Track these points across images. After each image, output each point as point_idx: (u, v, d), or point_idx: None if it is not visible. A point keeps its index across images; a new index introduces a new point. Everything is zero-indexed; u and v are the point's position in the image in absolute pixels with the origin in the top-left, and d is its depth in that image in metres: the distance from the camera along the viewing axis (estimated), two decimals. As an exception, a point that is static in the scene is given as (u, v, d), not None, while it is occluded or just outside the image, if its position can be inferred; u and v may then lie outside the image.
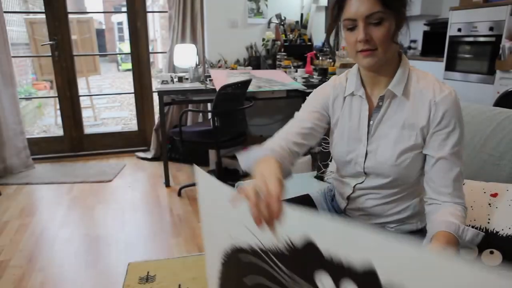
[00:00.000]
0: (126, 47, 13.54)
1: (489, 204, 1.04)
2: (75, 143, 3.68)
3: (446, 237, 0.87)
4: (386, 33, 0.90)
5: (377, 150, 1.00)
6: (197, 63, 3.45)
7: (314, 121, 1.07)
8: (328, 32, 1.02)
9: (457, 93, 0.95)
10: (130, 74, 3.89)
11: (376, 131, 1.01)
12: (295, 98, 3.22)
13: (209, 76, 3.09)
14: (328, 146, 1.79)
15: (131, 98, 4.22)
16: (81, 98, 3.67)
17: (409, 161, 0.97)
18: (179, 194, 2.82)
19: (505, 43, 2.97)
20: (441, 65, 3.59)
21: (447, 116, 0.93)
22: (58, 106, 3.77)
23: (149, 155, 3.64)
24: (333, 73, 3.20)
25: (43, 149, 3.59)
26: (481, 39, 3.23)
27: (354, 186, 1.08)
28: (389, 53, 0.94)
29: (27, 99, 5.68)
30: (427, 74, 0.99)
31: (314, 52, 3.56)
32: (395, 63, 0.99)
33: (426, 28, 4.03)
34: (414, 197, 1.05)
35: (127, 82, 10.12)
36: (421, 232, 1.09)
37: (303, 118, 1.08)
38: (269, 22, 3.71)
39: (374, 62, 0.93)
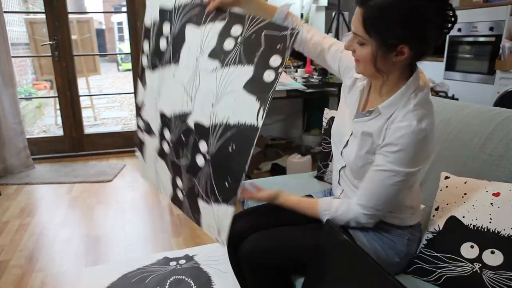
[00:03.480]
0: (126, 47, 13.54)
1: (491, 203, 1.04)
2: (75, 143, 3.68)
3: (311, 204, 1.10)
4: (364, 56, 0.94)
5: (351, 144, 1.08)
6: (197, 63, 3.44)
7: (338, 56, 1.18)
8: None
9: (424, 132, 0.92)
10: (130, 74, 3.89)
11: (355, 128, 1.07)
12: (295, 98, 3.22)
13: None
14: (328, 146, 1.80)
15: (131, 98, 4.23)
16: (81, 98, 3.66)
17: (366, 165, 1.03)
18: (179, 194, 2.82)
19: (505, 43, 2.97)
20: (441, 65, 3.59)
21: (394, 142, 0.94)
22: (58, 106, 3.77)
23: (149, 155, 3.63)
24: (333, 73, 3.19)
25: (43, 149, 3.59)
26: (481, 39, 3.23)
27: (339, 171, 1.15)
28: (367, 73, 0.99)
29: (27, 99, 5.68)
30: (426, 103, 0.96)
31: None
32: (395, 82, 0.98)
33: (426, 28, 4.02)
34: None
35: (127, 82, 10.12)
36: (411, 228, 1.12)
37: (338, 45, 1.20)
38: (269, 22, 3.70)
39: (359, 71, 1.01)
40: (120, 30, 17.13)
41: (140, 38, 4.06)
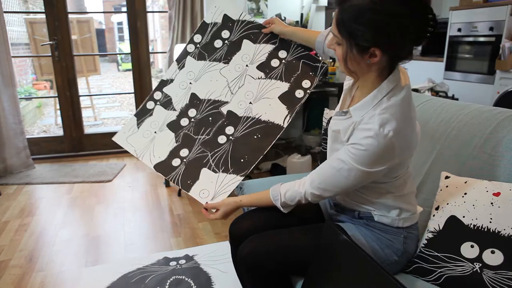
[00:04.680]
0: (126, 47, 13.54)
1: (491, 203, 1.04)
2: (75, 143, 3.68)
3: (265, 195, 1.17)
4: (340, 56, 0.97)
5: (329, 139, 1.14)
6: (197, 63, 3.44)
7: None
8: None
9: (386, 137, 0.91)
10: (130, 74, 3.90)
11: (331, 126, 1.12)
12: (295, 98, 3.20)
13: (209, 76, 3.09)
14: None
15: (131, 98, 4.23)
16: (81, 98, 3.67)
17: None
18: (179, 194, 2.82)
19: (505, 43, 2.97)
20: (441, 65, 3.59)
21: (358, 142, 0.95)
22: (58, 106, 3.77)
23: (149, 155, 3.63)
24: (333, 73, 3.20)
25: (43, 149, 3.59)
26: (481, 39, 3.23)
27: None
28: (346, 73, 1.02)
29: (27, 99, 5.68)
30: (397, 108, 0.95)
31: (314, 52, 3.56)
32: (372, 84, 0.99)
33: (426, 28, 4.03)
34: (381, 192, 1.07)
35: (127, 82, 10.12)
36: (410, 229, 1.11)
37: None
38: (269, 22, 3.71)
39: (340, 69, 1.09)
40: (120, 30, 17.12)
41: (140, 38, 4.07)
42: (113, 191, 2.90)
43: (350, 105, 1.09)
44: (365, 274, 0.86)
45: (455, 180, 1.17)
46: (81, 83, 4.16)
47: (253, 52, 1.46)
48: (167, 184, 2.98)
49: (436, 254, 1.08)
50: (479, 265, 1.00)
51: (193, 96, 1.45)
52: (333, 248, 0.99)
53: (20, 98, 3.41)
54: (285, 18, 3.68)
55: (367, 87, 1.00)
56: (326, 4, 3.79)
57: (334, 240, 0.98)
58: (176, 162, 1.38)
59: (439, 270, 1.06)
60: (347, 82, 1.15)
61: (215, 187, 1.32)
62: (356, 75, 0.99)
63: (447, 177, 1.19)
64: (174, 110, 1.45)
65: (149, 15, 12.99)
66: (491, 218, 1.03)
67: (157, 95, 1.48)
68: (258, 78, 1.42)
